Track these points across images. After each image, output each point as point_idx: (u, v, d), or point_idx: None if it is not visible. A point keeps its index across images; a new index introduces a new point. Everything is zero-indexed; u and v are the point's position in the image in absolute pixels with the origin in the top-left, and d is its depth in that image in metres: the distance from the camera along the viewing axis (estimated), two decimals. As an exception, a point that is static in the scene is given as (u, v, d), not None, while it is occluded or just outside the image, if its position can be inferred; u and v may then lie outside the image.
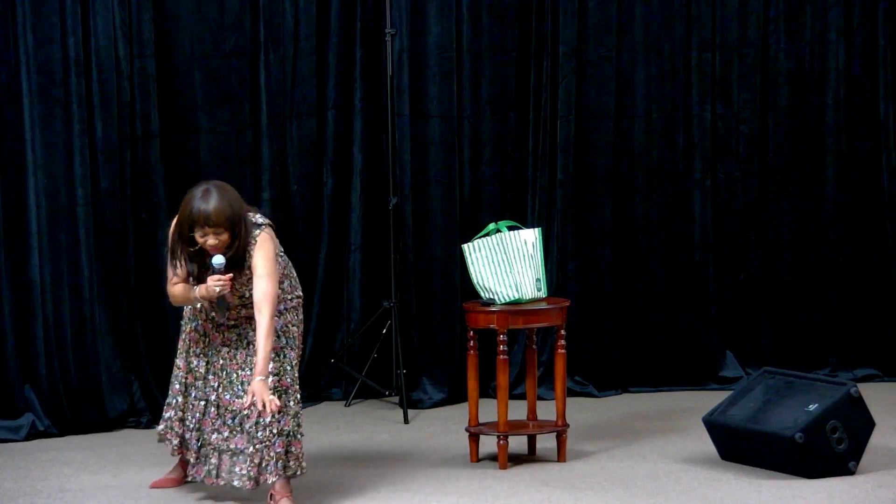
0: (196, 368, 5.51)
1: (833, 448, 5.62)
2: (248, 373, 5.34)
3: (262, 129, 7.31)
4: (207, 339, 5.51)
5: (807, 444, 5.57)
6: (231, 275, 5.30)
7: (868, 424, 5.72)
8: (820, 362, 7.73)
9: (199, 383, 5.49)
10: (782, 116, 7.75)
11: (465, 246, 6.06)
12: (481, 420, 6.11)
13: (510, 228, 6.07)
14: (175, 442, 5.54)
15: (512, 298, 5.97)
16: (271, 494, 5.37)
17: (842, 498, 5.37)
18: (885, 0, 7.69)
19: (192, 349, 5.53)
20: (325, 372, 7.51)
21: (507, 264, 5.98)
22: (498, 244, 6.01)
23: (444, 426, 6.91)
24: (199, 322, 5.52)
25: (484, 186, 7.60)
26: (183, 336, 5.59)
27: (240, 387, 5.37)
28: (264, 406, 5.04)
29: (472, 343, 6.06)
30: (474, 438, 6.11)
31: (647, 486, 5.65)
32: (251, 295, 5.33)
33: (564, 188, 7.56)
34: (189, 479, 5.58)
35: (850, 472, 5.65)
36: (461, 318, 6.52)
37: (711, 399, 6.54)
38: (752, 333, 7.80)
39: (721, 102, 7.71)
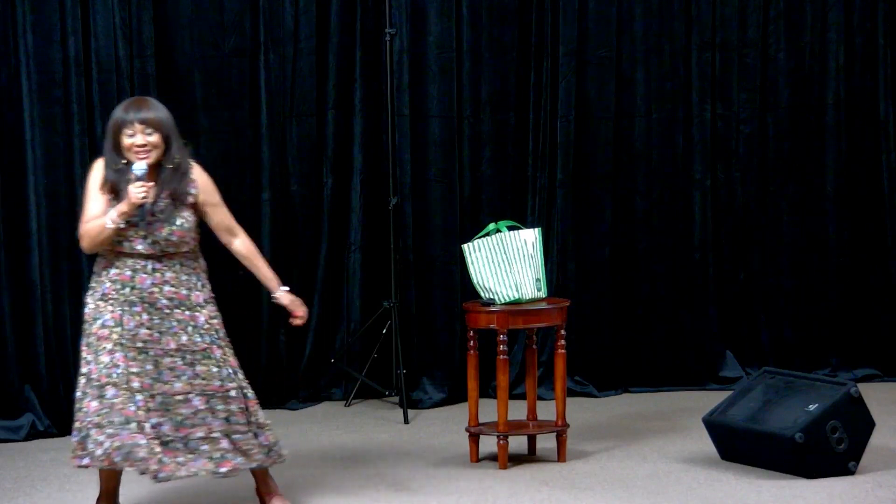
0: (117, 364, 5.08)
1: (833, 448, 5.62)
2: (180, 361, 5.10)
3: (262, 129, 7.31)
4: (122, 329, 5.09)
5: (807, 444, 5.57)
6: (153, 183, 5.05)
7: (868, 424, 5.72)
8: (820, 362, 7.73)
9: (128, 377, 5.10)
10: (782, 116, 7.75)
11: (465, 246, 6.06)
12: (481, 420, 6.11)
13: (510, 228, 6.06)
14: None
15: (512, 298, 5.97)
16: (261, 494, 5.33)
17: (842, 498, 5.37)
18: (885, 0, 7.70)
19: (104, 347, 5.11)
20: (325, 372, 7.51)
21: (507, 264, 5.98)
22: (498, 244, 6.01)
23: (444, 426, 6.91)
24: (109, 313, 5.08)
25: (484, 186, 7.61)
26: (90, 340, 5.10)
27: (169, 373, 5.09)
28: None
29: (472, 343, 6.06)
30: (474, 438, 6.11)
31: (647, 486, 5.66)
32: (185, 225, 5.11)
33: (564, 188, 7.56)
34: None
35: (850, 472, 5.65)
36: (461, 318, 6.52)
37: (711, 399, 6.54)
38: (752, 333, 7.80)
39: (721, 102, 7.71)
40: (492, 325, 5.97)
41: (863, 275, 7.82)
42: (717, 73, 7.70)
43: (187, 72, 7.17)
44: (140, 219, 5.04)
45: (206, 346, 5.16)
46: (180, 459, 5.06)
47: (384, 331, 7.38)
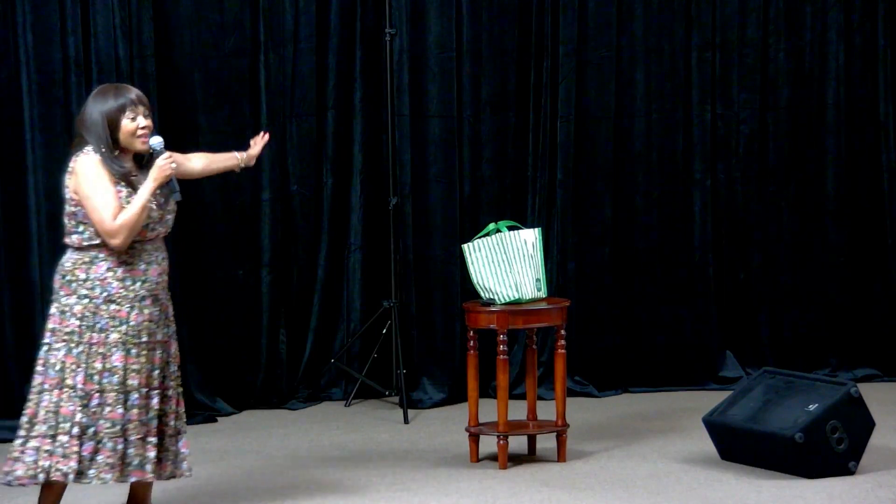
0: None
1: (833, 448, 5.62)
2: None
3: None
4: (126, 326, 4.93)
5: (807, 444, 5.57)
6: (171, 153, 4.98)
7: (868, 424, 5.71)
8: (820, 362, 7.73)
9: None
10: (782, 116, 7.75)
11: (465, 246, 6.06)
12: (481, 420, 6.11)
13: (510, 228, 6.06)
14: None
15: (512, 298, 5.97)
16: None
17: (842, 498, 5.37)
18: (885, 0, 7.70)
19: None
20: (325, 372, 7.51)
21: (507, 264, 5.98)
22: (498, 244, 6.01)
23: (444, 426, 6.91)
24: (108, 316, 4.91)
25: (484, 186, 7.60)
26: (77, 351, 4.91)
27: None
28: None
29: (472, 343, 6.06)
30: (474, 438, 6.11)
31: (647, 486, 5.65)
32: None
33: (564, 188, 7.56)
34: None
35: (850, 472, 5.65)
36: (461, 318, 6.52)
37: (711, 399, 6.54)
38: (752, 333, 7.80)
39: (721, 102, 7.71)
40: (492, 325, 5.97)
41: (863, 274, 7.82)
42: (717, 73, 7.70)
43: (187, 72, 7.17)
44: (171, 190, 4.97)
45: (167, 339, 5.07)
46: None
47: (384, 331, 7.38)
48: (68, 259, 4.98)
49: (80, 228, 4.94)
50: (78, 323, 4.90)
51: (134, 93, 4.97)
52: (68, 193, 4.98)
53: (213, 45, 7.21)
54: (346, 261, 7.54)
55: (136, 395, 4.92)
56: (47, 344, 4.95)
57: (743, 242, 7.78)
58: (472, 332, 6.05)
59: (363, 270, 7.54)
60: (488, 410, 6.27)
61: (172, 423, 5.07)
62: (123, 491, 5.34)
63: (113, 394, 4.89)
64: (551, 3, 7.52)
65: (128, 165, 4.97)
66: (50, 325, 4.95)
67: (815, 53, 7.73)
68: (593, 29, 7.56)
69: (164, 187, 4.97)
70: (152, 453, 4.95)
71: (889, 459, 5.89)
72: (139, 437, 4.93)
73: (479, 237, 6.04)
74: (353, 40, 7.45)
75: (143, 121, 4.94)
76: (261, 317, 7.35)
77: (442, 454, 6.28)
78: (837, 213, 7.77)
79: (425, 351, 7.52)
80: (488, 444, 6.18)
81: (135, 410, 4.91)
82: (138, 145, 4.96)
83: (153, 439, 4.95)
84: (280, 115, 7.35)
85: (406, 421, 6.99)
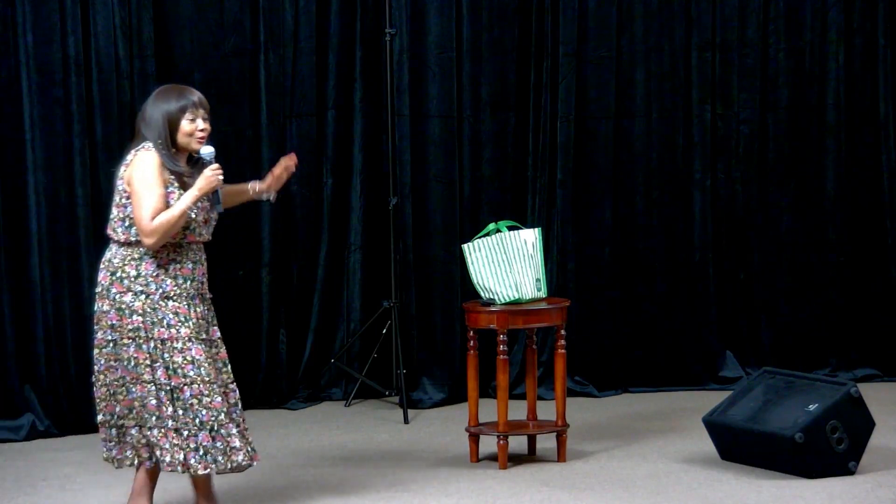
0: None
1: (833, 448, 5.62)
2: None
3: (262, 129, 7.31)
4: (192, 322, 5.03)
5: (807, 444, 5.57)
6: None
7: (868, 424, 5.72)
8: (820, 362, 7.73)
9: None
10: (782, 116, 7.75)
11: (465, 246, 6.06)
12: (481, 420, 6.11)
13: (510, 228, 6.06)
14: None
15: (512, 298, 5.97)
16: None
17: (842, 498, 5.37)
18: (885, 0, 7.70)
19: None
20: (325, 372, 7.51)
21: (507, 264, 5.98)
22: (498, 244, 6.01)
23: (444, 426, 6.91)
24: (172, 312, 4.98)
25: (484, 186, 7.61)
26: (148, 347, 4.99)
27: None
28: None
29: (472, 343, 6.06)
30: (474, 438, 6.11)
31: (647, 486, 5.65)
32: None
33: (564, 188, 7.56)
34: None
35: (850, 472, 5.65)
36: (461, 318, 6.52)
37: (711, 399, 6.54)
38: (752, 333, 7.80)
39: (721, 102, 7.71)
40: (492, 325, 5.97)
41: (862, 275, 7.82)
42: (717, 73, 7.70)
43: (187, 72, 7.16)
44: (216, 201, 5.04)
45: (219, 338, 5.18)
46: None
47: (384, 331, 7.38)
48: (116, 255, 5.02)
49: (128, 223, 5.00)
50: (141, 319, 4.96)
51: (196, 96, 5.05)
52: (121, 185, 5.03)
53: (213, 45, 7.21)
54: (346, 261, 7.54)
55: (231, 387, 5.07)
56: (112, 340, 5.00)
57: (743, 242, 7.78)
58: (472, 332, 6.05)
59: (363, 270, 7.55)
60: (488, 410, 6.27)
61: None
62: (125, 491, 5.35)
63: (205, 385, 4.96)
64: (551, 4, 7.52)
65: (182, 165, 5.04)
66: (109, 322, 5.00)
67: (815, 53, 7.73)
68: (593, 29, 7.56)
69: (209, 197, 5.05)
70: (238, 442, 5.02)
71: (889, 459, 5.89)
72: (237, 426, 5.02)
73: (479, 237, 6.04)
74: (353, 40, 7.45)
75: (202, 123, 5.03)
76: (261, 317, 7.35)
77: (442, 454, 6.28)
78: (837, 213, 7.77)
79: (425, 351, 7.52)
80: (488, 444, 6.18)
81: (224, 401, 5.00)
82: (194, 145, 5.04)
83: (238, 430, 5.03)
84: (280, 115, 7.35)
85: (406, 421, 6.99)
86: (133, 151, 5.02)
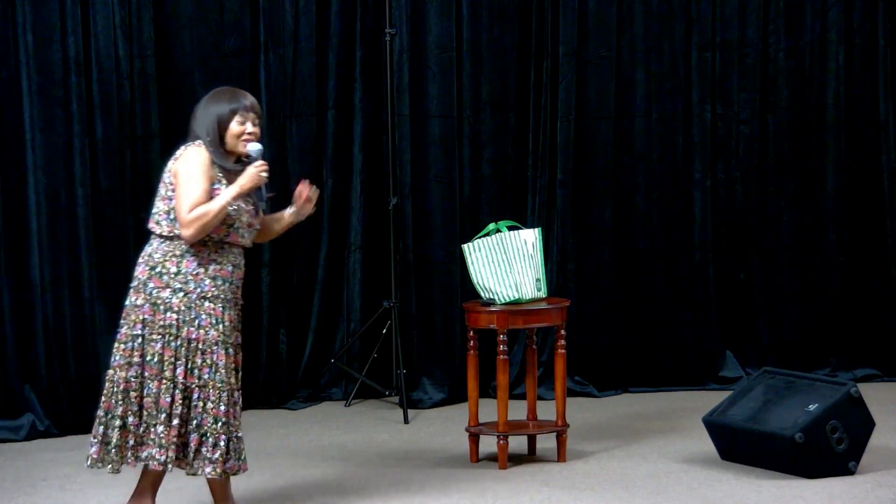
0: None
1: (833, 448, 5.62)
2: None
3: (262, 129, 7.29)
4: (223, 325, 5.08)
5: (807, 444, 5.57)
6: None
7: (868, 424, 5.72)
8: (820, 362, 7.73)
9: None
10: (782, 116, 7.75)
11: (465, 246, 6.06)
12: (481, 420, 6.11)
13: (510, 228, 6.06)
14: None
15: (512, 298, 5.97)
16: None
17: (842, 498, 5.37)
18: (885, 0, 7.70)
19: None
20: (325, 372, 7.51)
21: (507, 264, 5.98)
22: (498, 244, 6.01)
23: (444, 426, 6.91)
24: (206, 313, 5.04)
25: (484, 186, 7.61)
26: (177, 346, 5.01)
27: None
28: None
29: (472, 343, 6.06)
30: (474, 438, 6.11)
31: (647, 486, 5.65)
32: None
33: (564, 188, 7.56)
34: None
35: (850, 472, 5.65)
36: (461, 318, 6.52)
37: (711, 399, 6.54)
38: (752, 333, 7.80)
39: (721, 102, 7.71)
40: (492, 325, 5.97)
41: (862, 275, 7.82)
42: (717, 73, 7.70)
43: (187, 72, 7.16)
44: (259, 199, 5.07)
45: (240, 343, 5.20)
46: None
47: (384, 331, 7.38)
48: (157, 250, 5.02)
49: (172, 216, 5.01)
50: (175, 317, 4.97)
51: (249, 100, 5.10)
52: (168, 177, 5.04)
53: (213, 45, 7.21)
54: (346, 261, 7.55)
55: (237, 394, 5.06)
56: (139, 336, 4.99)
57: (743, 242, 7.78)
58: (472, 332, 6.05)
59: (363, 270, 7.55)
60: (488, 410, 6.27)
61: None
62: (125, 492, 5.35)
63: (216, 391, 4.98)
64: (551, 4, 7.53)
65: (230, 165, 5.06)
66: (140, 317, 4.99)
67: (815, 53, 7.73)
68: (593, 29, 7.56)
69: (253, 195, 5.08)
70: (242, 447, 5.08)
71: (889, 459, 5.89)
72: (237, 433, 5.05)
73: (479, 237, 6.04)
74: (353, 40, 7.45)
75: (251, 126, 5.07)
76: (261, 317, 7.34)
77: (442, 454, 6.28)
78: (837, 213, 7.77)
79: (425, 351, 7.52)
80: (488, 444, 6.18)
81: (231, 409, 5.02)
82: (241, 148, 5.07)
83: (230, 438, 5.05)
84: (280, 115, 7.35)
85: (406, 421, 6.99)
86: (183, 147, 5.07)
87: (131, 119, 7.03)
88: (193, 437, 4.98)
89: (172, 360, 4.97)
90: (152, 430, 4.98)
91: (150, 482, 5.16)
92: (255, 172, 5.01)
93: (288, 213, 5.37)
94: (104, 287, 6.94)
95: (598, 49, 7.57)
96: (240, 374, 5.16)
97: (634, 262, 7.69)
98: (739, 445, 5.89)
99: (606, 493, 5.56)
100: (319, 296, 7.49)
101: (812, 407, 5.65)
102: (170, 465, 4.99)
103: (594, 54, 7.57)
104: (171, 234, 4.99)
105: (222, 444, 4.99)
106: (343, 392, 7.53)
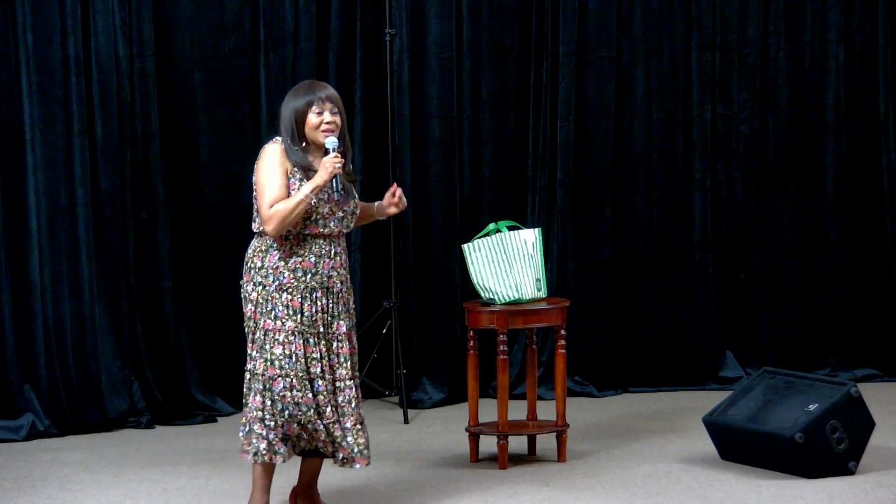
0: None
1: (833, 448, 5.62)
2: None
3: (262, 129, 7.31)
4: (301, 315, 5.09)
5: (807, 444, 5.57)
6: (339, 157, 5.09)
7: (868, 424, 5.72)
8: (820, 362, 7.73)
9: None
10: (782, 116, 7.75)
11: (465, 246, 6.06)
12: (481, 420, 6.11)
13: (510, 228, 6.07)
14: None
15: (512, 298, 5.97)
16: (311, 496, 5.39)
17: (842, 498, 5.37)
18: (884, 0, 7.70)
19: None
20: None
21: (507, 264, 5.98)
22: (498, 244, 6.01)
23: (444, 426, 6.91)
24: (283, 304, 5.06)
25: (484, 186, 7.61)
26: (255, 336, 5.10)
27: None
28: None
29: (472, 343, 6.06)
30: (474, 438, 6.11)
31: (647, 486, 5.65)
32: (358, 199, 5.23)
33: (564, 188, 7.57)
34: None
35: (850, 472, 5.65)
36: (461, 318, 6.52)
37: (711, 399, 6.54)
38: (752, 333, 7.80)
39: (721, 102, 7.71)
40: (492, 325, 5.97)
41: (863, 275, 7.82)
42: (717, 73, 7.70)
43: (187, 72, 7.17)
44: (334, 190, 5.06)
45: (350, 330, 5.21)
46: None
47: (384, 331, 7.38)
48: (251, 246, 5.15)
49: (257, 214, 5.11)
50: (252, 308, 5.07)
51: (324, 91, 5.11)
52: (253, 178, 5.13)
53: (213, 45, 7.21)
54: (346, 261, 7.54)
55: (320, 383, 5.06)
56: (245, 328, 5.14)
57: (743, 242, 7.78)
58: (472, 332, 6.05)
59: (363, 270, 7.55)
60: (488, 410, 6.27)
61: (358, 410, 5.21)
62: (124, 492, 5.34)
63: (297, 380, 5.01)
64: (551, 4, 7.53)
65: (310, 159, 5.09)
66: (244, 311, 5.13)
67: (815, 53, 7.73)
68: (593, 29, 7.57)
69: (332, 186, 5.06)
70: (338, 435, 5.12)
71: (889, 459, 5.89)
72: (330, 421, 5.08)
73: (479, 237, 6.04)
74: (353, 40, 7.45)
75: (328, 116, 5.08)
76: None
77: (442, 454, 6.28)
78: (837, 213, 7.77)
79: (425, 351, 7.52)
80: (488, 444, 6.18)
81: (320, 397, 5.05)
82: (320, 138, 5.08)
83: (348, 424, 5.13)
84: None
85: (406, 421, 6.99)
86: (264, 146, 5.14)
87: (131, 119, 7.03)
88: (289, 427, 5.05)
89: (253, 352, 5.07)
90: (248, 425, 5.06)
91: (264, 476, 5.21)
92: (328, 161, 5.03)
93: (376, 206, 5.43)
94: (104, 287, 6.94)
95: (598, 49, 7.57)
96: (348, 363, 5.16)
97: (634, 263, 7.70)
98: (739, 445, 5.89)
99: (606, 493, 5.56)
100: (319, 296, 7.48)
101: (812, 407, 5.65)
102: (279, 459, 5.06)
103: (594, 54, 7.57)
104: (261, 231, 5.10)
105: (311, 429, 5.05)
106: (343, 392, 7.52)
